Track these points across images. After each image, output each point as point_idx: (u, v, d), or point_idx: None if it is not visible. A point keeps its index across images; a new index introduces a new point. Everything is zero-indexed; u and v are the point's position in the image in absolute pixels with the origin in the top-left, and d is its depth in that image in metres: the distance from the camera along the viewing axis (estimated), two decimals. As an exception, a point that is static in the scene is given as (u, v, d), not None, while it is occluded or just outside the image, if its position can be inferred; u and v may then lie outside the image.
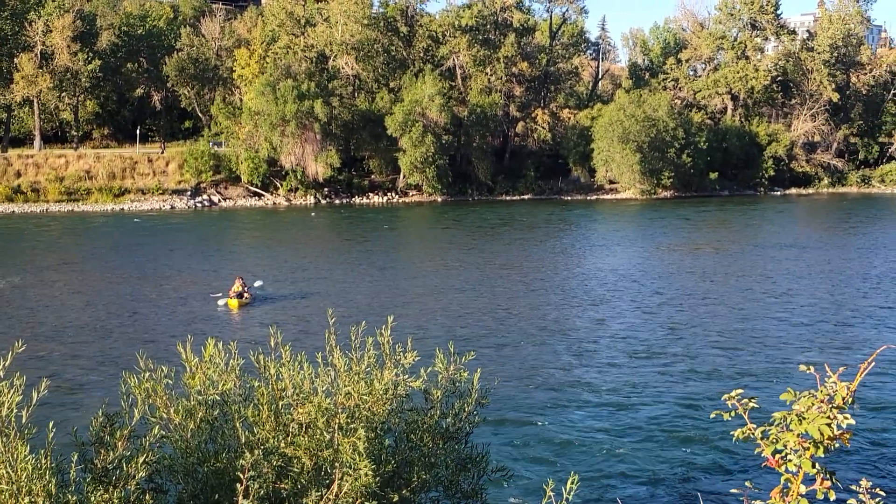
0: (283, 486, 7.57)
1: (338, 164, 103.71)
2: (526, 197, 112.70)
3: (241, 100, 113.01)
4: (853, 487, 5.98)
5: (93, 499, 6.92)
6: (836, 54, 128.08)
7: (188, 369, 8.13)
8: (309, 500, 7.31)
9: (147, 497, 7.16)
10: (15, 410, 7.01)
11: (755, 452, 5.94)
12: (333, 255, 65.57)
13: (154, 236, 73.33)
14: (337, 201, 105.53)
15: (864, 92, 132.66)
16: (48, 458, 6.86)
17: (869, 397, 29.16)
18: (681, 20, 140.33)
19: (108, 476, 7.16)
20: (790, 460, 5.74)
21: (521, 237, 75.51)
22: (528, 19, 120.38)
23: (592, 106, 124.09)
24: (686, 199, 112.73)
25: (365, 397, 7.96)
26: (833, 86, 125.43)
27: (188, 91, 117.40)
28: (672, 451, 25.00)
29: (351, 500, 7.32)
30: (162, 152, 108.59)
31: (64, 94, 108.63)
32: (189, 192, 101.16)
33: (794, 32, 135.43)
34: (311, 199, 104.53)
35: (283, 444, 7.67)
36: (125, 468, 7.15)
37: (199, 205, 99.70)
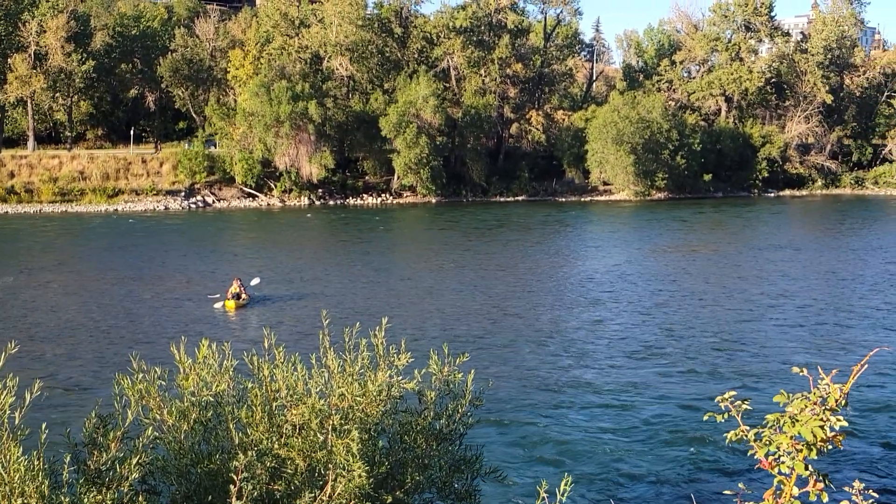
0: (276, 487, 7.56)
1: (332, 166, 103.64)
2: (520, 198, 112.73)
3: (235, 101, 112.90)
4: (846, 489, 5.99)
5: (86, 500, 6.91)
6: (829, 56, 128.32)
7: (182, 370, 8.13)
8: (302, 501, 7.30)
9: (140, 498, 7.15)
10: (8, 412, 7.00)
11: (748, 454, 5.95)
12: (329, 256, 65.56)
13: (148, 237, 73.24)
14: (331, 202, 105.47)
15: (858, 94, 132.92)
16: (41, 459, 6.84)
17: (862, 399, 29.21)
18: (675, 22, 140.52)
19: (102, 477, 7.15)
20: (783, 462, 5.75)
21: (515, 238, 75.53)
22: (523, 21, 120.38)
23: (587, 107, 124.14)
24: (680, 200, 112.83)
25: (359, 399, 7.95)
26: (827, 87, 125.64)
27: (182, 92, 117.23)
28: (666, 453, 25.03)
29: (344, 501, 7.32)
30: (156, 152, 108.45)
31: (58, 94, 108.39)
32: (183, 193, 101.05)
33: (787, 34, 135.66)
34: (305, 201, 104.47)
35: (276, 446, 7.66)
36: (118, 469, 7.14)
37: (193, 206, 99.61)
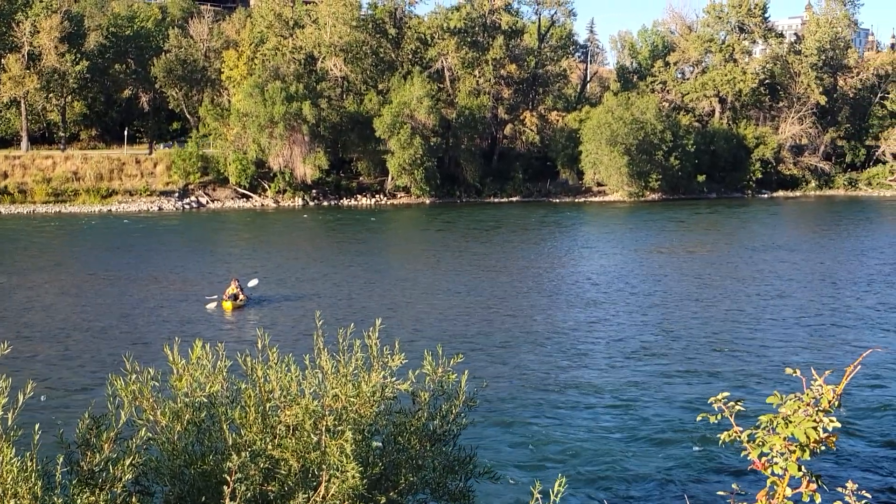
0: (270, 488, 7.55)
1: (326, 166, 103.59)
2: (514, 199, 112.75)
3: (229, 101, 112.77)
4: (839, 489, 6.00)
5: (79, 501, 6.90)
6: (823, 57, 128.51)
7: (175, 371, 8.12)
8: (296, 502, 7.30)
9: (133, 499, 7.14)
10: (0, 413, 6.98)
11: (742, 455, 5.96)
12: (324, 256, 65.51)
13: (142, 238, 73.15)
14: (325, 203, 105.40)
15: (852, 95, 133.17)
16: (34, 460, 6.83)
17: (857, 399, 29.27)
18: (669, 23, 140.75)
19: (95, 478, 7.14)
20: (776, 463, 5.76)
21: (510, 239, 75.56)
22: (517, 22, 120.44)
23: (581, 108, 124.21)
24: (674, 201, 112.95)
25: (352, 399, 7.95)
26: (820, 89, 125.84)
27: (176, 92, 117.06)
28: (659, 453, 25.05)
29: (338, 502, 7.31)
30: (150, 153, 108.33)
31: (51, 94, 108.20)
32: (177, 194, 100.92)
33: (781, 35, 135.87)
34: (299, 201, 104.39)
35: (270, 447, 7.66)
36: (111, 470, 7.12)
37: (186, 206, 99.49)
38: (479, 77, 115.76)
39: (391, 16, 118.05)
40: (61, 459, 7.12)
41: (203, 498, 7.56)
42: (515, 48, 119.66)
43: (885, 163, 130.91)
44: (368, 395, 8.02)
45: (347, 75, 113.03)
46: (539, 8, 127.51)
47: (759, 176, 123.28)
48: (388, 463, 8.22)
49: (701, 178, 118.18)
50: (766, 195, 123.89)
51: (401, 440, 8.41)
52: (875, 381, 31.74)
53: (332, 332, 8.41)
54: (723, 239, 77.02)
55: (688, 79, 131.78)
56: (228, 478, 7.00)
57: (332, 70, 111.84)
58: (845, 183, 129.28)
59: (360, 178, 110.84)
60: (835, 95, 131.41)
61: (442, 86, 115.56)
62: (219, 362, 8.26)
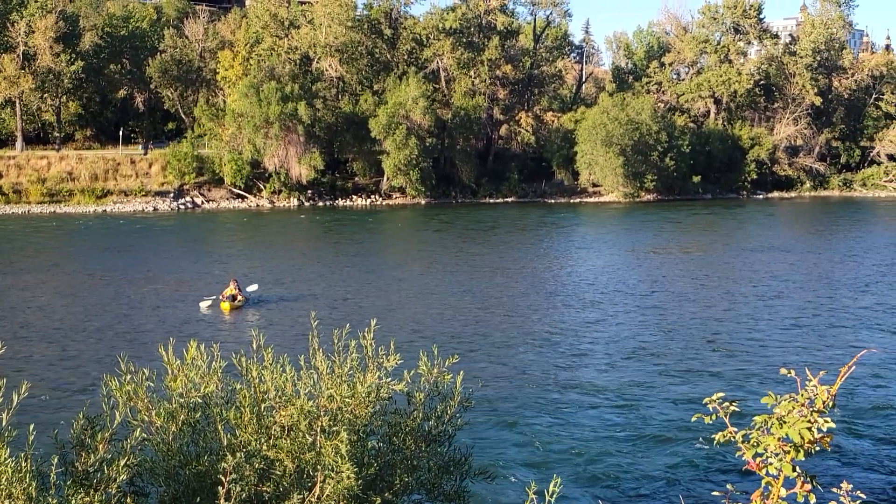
0: (265, 488, 7.55)
1: (321, 167, 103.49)
2: (509, 200, 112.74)
3: (224, 101, 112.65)
4: (834, 490, 6.00)
5: (73, 502, 6.89)
6: (818, 58, 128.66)
7: (170, 372, 8.11)
8: (291, 503, 7.29)
9: (128, 500, 7.13)
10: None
11: (737, 455, 5.96)
12: (320, 257, 65.43)
13: (138, 238, 73.05)
14: (320, 204, 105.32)
15: (846, 96, 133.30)
16: (28, 460, 6.82)
17: (853, 400, 29.30)
18: (664, 24, 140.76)
19: (89, 479, 7.13)
20: (771, 464, 5.76)
21: (505, 240, 75.55)
22: (512, 22, 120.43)
23: (576, 109, 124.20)
24: (669, 202, 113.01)
25: (347, 400, 7.95)
26: (815, 90, 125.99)
27: (171, 93, 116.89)
28: (655, 453, 25.06)
29: (333, 502, 7.31)
30: (145, 153, 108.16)
31: (46, 94, 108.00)
32: (172, 194, 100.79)
33: (776, 36, 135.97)
34: (294, 202, 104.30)
35: (265, 447, 7.65)
36: (106, 471, 7.12)
37: (182, 206, 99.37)
38: (475, 77, 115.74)
39: (386, 16, 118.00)
40: (56, 460, 7.11)
41: (198, 498, 7.55)
42: (511, 49, 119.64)
43: (879, 164, 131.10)
44: (363, 395, 8.02)
45: (343, 76, 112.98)
46: (534, 8, 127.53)
47: (755, 177, 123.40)
48: (384, 463, 8.22)
49: (696, 178, 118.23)
50: (761, 196, 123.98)
51: (396, 440, 8.41)
52: (872, 382, 31.78)
53: (328, 332, 8.41)
54: (719, 240, 77.07)
55: (683, 79, 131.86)
56: (223, 478, 7.00)
57: (327, 70, 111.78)
58: (840, 184, 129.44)
59: (356, 179, 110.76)
60: (830, 96, 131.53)
61: (437, 86, 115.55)
62: (214, 363, 8.25)
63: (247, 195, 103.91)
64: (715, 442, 6.07)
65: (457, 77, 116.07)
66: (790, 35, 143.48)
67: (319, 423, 7.67)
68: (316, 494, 7.33)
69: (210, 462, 7.63)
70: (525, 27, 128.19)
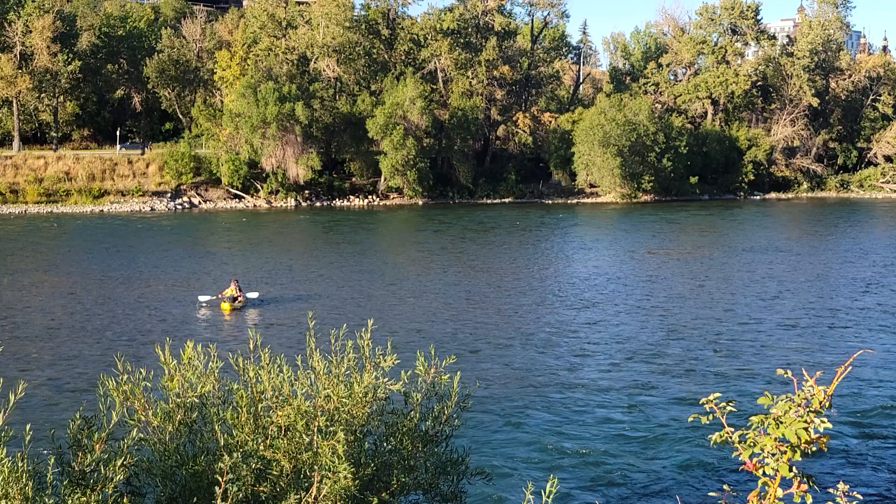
0: (261, 489, 7.55)
1: (318, 167, 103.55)
2: (507, 200, 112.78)
3: (221, 102, 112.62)
4: (830, 490, 6.00)
5: (70, 502, 6.88)
6: (815, 60, 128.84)
7: (166, 372, 8.10)
8: (288, 503, 7.29)
9: (125, 500, 7.12)
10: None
11: (733, 456, 5.96)
12: (318, 257, 65.38)
13: (135, 238, 72.97)
14: (318, 204, 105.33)
15: (843, 97, 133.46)
16: (25, 460, 6.81)
17: (848, 400, 29.31)
18: (662, 25, 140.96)
19: (86, 479, 7.12)
20: (767, 464, 5.76)
21: (503, 240, 75.56)
22: (510, 23, 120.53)
23: (573, 110, 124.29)
24: (666, 203, 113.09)
25: (344, 400, 7.94)
26: (812, 91, 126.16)
27: (169, 93, 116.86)
28: (651, 454, 25.07)
29: (330, 502, 7.31)
30: (142, 153, 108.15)
31: (43, 94, 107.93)
32: (169, 195, 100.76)
33: (774, 37, 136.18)
34: (291, 202, 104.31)
35: (262, 447, 7.65)
36: (103, 471, 7.11)
37: (179, 207, 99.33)
38: (472, 78, 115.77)
39: (384, 17, 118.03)
40: (53, 460, 7.10)
41: (195, 498, 7.55)
42: (508, 49, 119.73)
43: (876, 165, 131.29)
44: (360, 395, 8.01)
45: (340, 76, 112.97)
46: (532, 9, 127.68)
47: (752, 177, 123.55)
48: (381, 463, 8.22)
49: (693, 179, 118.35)
50: (758, 197, 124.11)
51: (393, 441, 8.40)
52: (871, 382, 31.79)
53: (326, 332, 8.41)
54: (717, 241, 77.11)
55: (680, 80, 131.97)
56: (220, 478, 6.99)
57: (324, 71, 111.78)
58: (837, 185, 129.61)
59: (353, 179, 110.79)
60: (827, 97, 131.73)
61: (435, 87, 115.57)
62: (210, 363, 8.24)
63: (244, 195, 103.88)
64: (711, 442, 6.08)
65: (454, 78, 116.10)
66: (787, 36, 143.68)
67: (316, 424, 7.67)
68: (313, 495, 7.33)
69: (207, 462, 7.63)
70: (522, 28, 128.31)
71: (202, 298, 44.78)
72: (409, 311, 44.91)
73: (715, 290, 52.17)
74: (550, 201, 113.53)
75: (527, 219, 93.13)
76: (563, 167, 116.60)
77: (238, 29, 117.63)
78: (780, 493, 5.83)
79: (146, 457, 7.65)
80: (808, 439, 5.67)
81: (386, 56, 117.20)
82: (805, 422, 5.68)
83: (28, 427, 7.07)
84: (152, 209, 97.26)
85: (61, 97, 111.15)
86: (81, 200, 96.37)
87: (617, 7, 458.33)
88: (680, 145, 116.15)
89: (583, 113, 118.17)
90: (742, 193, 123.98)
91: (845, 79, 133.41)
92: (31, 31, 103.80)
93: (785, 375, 6.03)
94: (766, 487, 5.85)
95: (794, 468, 5.74)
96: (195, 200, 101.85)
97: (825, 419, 5.74)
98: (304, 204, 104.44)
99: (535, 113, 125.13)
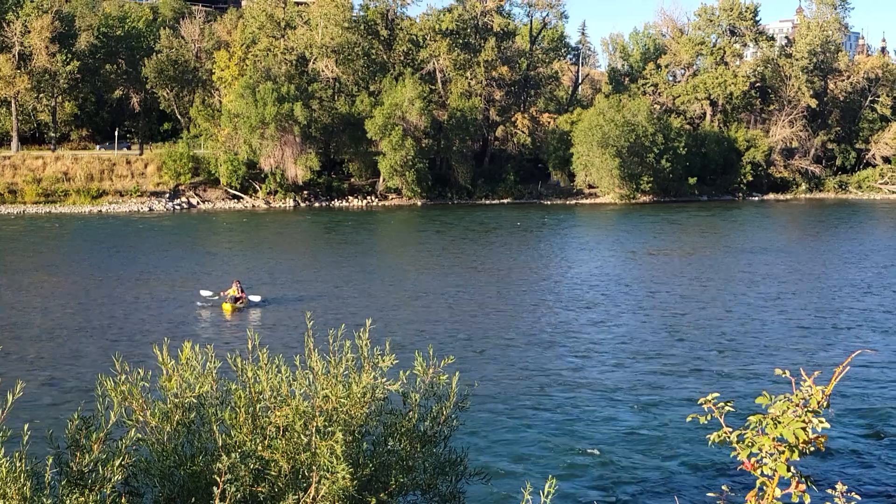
0: (259, 489, 7.54)
1: (317, 168, 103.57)
2: (505, 201, 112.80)
3: (220, 102, 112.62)
4: (829, 490, 6.00)
5: (68, 502, 6.88)
6: (814, 61, 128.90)
7: (164, 372, 8.09)
8: (286, 503, 7.28)
9: (123, 500, 7.12)
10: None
11: (731, 456, 5.96)
12: (317, 258, 65.40)
13: (133, 239, 72.94)
14: (316, 204, 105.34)
15: (842, 98, 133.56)
16: (23, 460, 6.80)
17: (848, 400, 29.32)
18: (660, 26, 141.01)
19: (84, 479, 7.12)
20: (766, 464, 5.76)
21: (501, 241, 75.55)
22: (509, 24, 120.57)
23: (572, 110, 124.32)
24: (665, 204, 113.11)
25: (343, 400, 7.94)
26: (811, 92, 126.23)
27: (167, 93, 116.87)
28: (650, 454, 25.07)
29: (328, 503, 7.30)
30: (141, 154, 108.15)
31: (42, 95, 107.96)
32: (167, 195, 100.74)
33: (772, 39, 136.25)
34: (290, 202, 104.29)
35: (260, 448, 7.64)
36: (101, 471, 7.10)
37: (177, 207, 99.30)
38: (471, 79, 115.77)
39: (383, 17, 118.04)
40: (51, 460, 7.09)
41: (193, 499, 7.54)
42: (507, 50, 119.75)
43: (874, 166, 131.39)
44: (359, 396, 8.00)
45: (339, 76, 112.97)
46: (531, 10, 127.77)
47: (750, 179, 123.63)
48: (379, 464, 8.21)
49: (692, 180, 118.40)
50: (756, 198, 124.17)
51: (391, 441, 8.39)
52: (871, 382, 31.80)
53: (325, 332, 8.40)
54: (716, 241, 77.14)
55: (679, 81, 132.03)
56: (218, 479, 6.99)
57: (323, 71, 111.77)
58: (835, 186, 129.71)
59: (352, 180, 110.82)
60: (825, 99, 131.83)
61: (433, 87, 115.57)
62: (209, 363, 8.23)
63: (243, 196, 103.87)
64: (710, 442, 6.07)
65: (453, 78, 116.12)
66: (786, 37, 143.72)
67: (315, 424, 7.66)
68: (311, 495, 7.32)
69: (205, 462, 7.62)
70: (521, 29, 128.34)
71: (203, 294, 44.84)
72: (409, 312, 44.90)
73: (716, 290, 52.18)
74: (549, 202, 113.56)
75: (527, 219, 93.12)
76: (561, 168, 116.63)
77: (237, 29, 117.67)
78: (778, 493, 5.82)
79: (144, 457, 7.64)
80: (807, 439, 5.67)
81: (385, 56, 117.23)
82: (803, 422, 5.68)
83: (26, 427, 7.06)
84: (151, 209, 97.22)
85: (60, 97, 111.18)
86: (80, 201, 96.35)
87: (616, 8, 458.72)
88: (678, 146, 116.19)
89: (581, 114, 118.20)
90: (740, 194, 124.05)
91: (844, 80, 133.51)
92: (29, 32, 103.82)
93: (783, 375, 6.03)
94: (765, 487, 5.85)
95: (792, 468, 5.73)
96: (193, 201, 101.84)
97: (823, 419, 5.74)
98: (302, 204, 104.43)
99: (534, 113, 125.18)
